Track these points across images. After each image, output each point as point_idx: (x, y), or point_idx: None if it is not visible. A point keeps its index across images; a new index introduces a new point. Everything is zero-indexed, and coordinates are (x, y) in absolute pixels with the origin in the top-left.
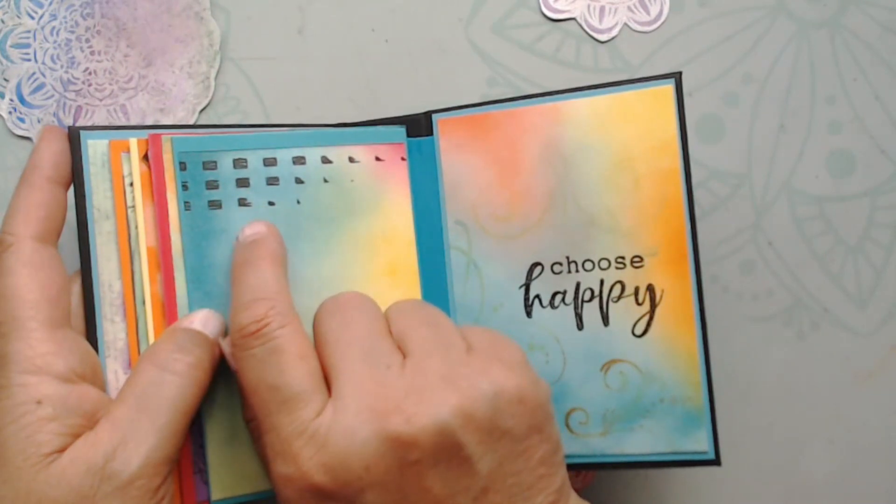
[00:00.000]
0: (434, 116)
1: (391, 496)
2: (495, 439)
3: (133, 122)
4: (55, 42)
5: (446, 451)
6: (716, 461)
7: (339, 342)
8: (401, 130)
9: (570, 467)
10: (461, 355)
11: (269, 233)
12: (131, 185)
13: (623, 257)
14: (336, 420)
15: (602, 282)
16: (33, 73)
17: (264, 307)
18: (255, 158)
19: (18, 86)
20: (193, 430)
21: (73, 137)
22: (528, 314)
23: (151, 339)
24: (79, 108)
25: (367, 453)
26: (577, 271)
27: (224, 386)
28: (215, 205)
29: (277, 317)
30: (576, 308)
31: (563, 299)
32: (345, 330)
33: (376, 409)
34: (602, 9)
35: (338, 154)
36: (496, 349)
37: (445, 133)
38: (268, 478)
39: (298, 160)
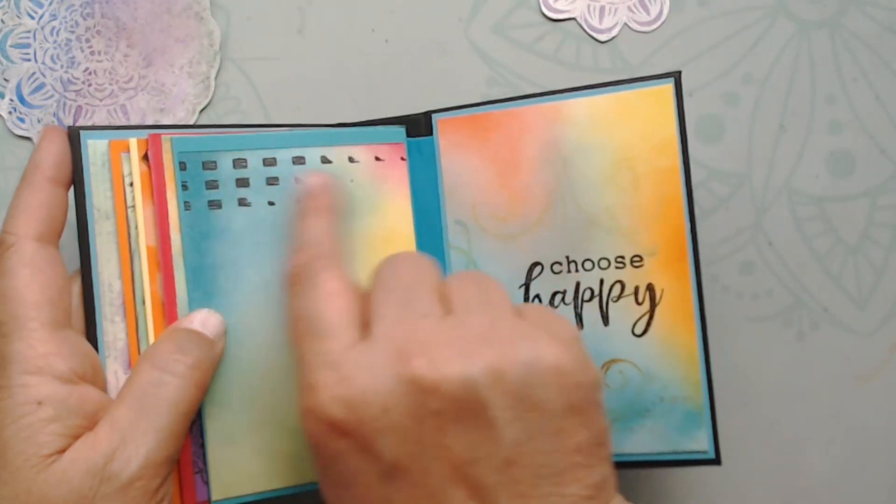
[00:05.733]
0: (434, 116)
1: (408, 446)
2: (525, 409)
3: (133, 122)
4: (55, 42)
5: (469, 407)
6: (716, 461)
7: (383, 289)
8: (401, 130)
9: None
10: (507, 317)
11: (325, 185)
12: (131, 185)
13: (623, 257)
14: (361, 356)
15: (602, 281)
16: (33, 73)
17: (312, 252)
18: (254, 158)
19: (18, 86)
20: (193, 430)
21: (73, 137)
22: None
23: (151, 339)
24: (79, 108)
25: (385, 392)
26: (576, 271)
27: (224, 386)
28: (215, 205)
29: (322, 259)
30: (576, 308)
31: (562, 299)
32: (391, 279)
33: (403, 351)
34: (602, 9)
35: (338, 154)
36: (547, 321)
37: (445, 133)
38: (268, 478)
39: (298, 160)
